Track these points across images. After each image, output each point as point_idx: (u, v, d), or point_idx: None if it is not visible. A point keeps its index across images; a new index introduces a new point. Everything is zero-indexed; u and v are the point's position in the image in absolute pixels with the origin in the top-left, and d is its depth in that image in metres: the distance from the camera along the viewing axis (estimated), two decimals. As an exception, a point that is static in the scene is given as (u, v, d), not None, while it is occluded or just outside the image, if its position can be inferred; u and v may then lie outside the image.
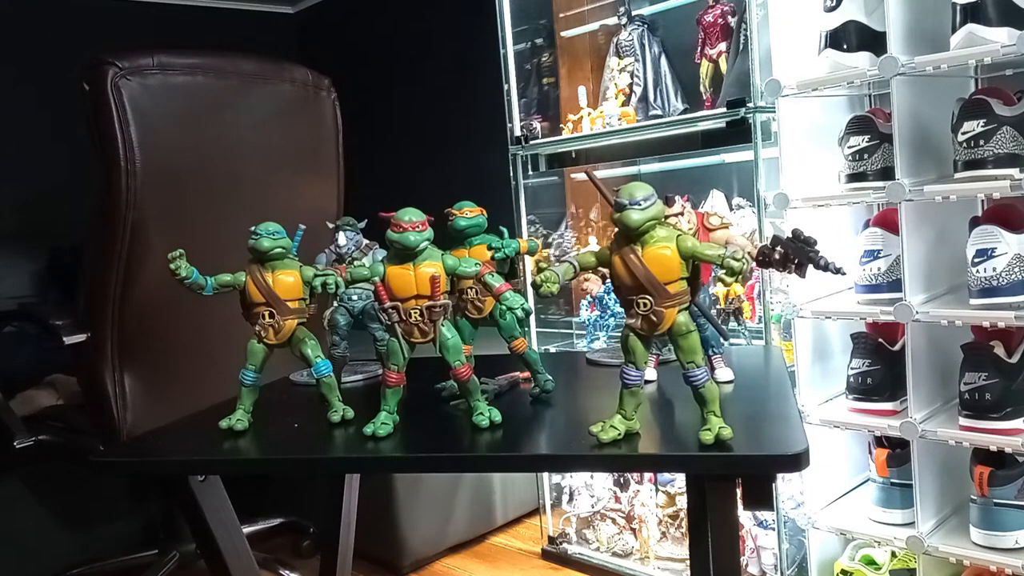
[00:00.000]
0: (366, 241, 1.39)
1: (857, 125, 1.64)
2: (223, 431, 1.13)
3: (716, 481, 0.95)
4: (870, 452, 1.75)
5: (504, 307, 1.03)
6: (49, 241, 2.98)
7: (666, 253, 0.90)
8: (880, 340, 1.68)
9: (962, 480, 1.60)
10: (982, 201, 1.66)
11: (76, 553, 2.24)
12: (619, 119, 2.09)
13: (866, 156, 1.63)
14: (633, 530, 2.13)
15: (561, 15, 2.34)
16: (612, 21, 2.24)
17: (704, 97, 2.00)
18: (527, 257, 1.74)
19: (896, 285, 1.59)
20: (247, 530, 1.68)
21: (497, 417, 1.05)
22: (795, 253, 0.86)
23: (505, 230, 1.23)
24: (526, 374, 1.22)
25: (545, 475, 2.26)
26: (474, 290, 1.15)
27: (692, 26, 2.01)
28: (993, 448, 1.49)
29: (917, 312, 1.54)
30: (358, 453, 1.04)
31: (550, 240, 2.36)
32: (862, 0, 1.61)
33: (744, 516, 1.87)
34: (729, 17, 1.94)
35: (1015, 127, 1.45)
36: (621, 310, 0.94)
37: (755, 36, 1.72)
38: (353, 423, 1.13)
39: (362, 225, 1.40)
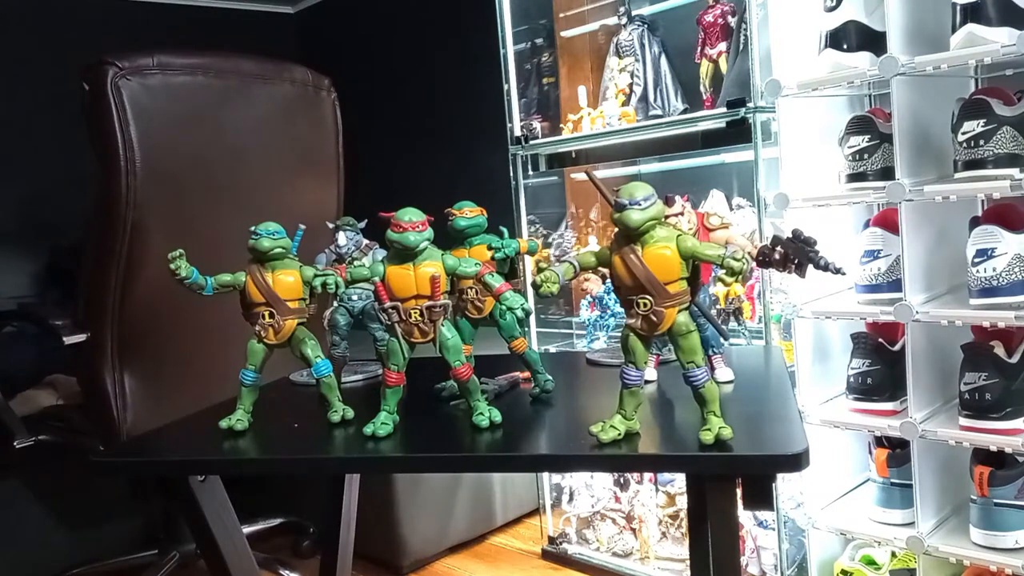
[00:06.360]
0: (366, 241, 1.39)
1: (857, 125, 1.64)
2: (223, 431, 1.13)
3: (716, 481, 0.95)
4: (870, 452, 1.75)
5: (504, 307, 1.03)
6: (49, 241, 2.98)
7: (666, 253, 0.90)
8: (880, 340, 1.68)
9: (962, 480, 1.60)
10: (982, 201, 1.66)
11: (76, 553, 2.24)
12: (619, 119, 2.09)
13: (866, 156, 1.63)
14: (633, 530, 2.13)
15: (561, 15, 2.34)
16: (612, 21, 2.24)
17: (704, 97, 2.00)
18: (527, 257, 1.74)
19: (896, 285, 1.59)
20: (247, 530, 1.68)
21: (497, 417, 1.05)
22: (795, 253, 0.86)
23: (505, 230, 1.23)
24: (526, 374, 1.22)
25: (545, 475, 2.26)
26: (474, 290, 1.15)
27: (692, 26, 2.01)
28: (993, 448, 1.49)
29: (917, 312, 1.54)
30: (358, 453, 1.04)
31: (550, 240, 2.36)
32: (862, 0, 1.61)
33: (744, 516, 1.87)
34: (729, 17, 1.94)
35: (1015, 127, 1.45)
36: (621, 310, 0.94)
37: (755, 36, 1.72)
38: (353, 423, 1.13)
39: (362, 225, 1.40)
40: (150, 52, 1.73)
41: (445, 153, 3.21)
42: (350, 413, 1.14)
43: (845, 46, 1.61)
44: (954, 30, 1.46)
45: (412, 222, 1.02)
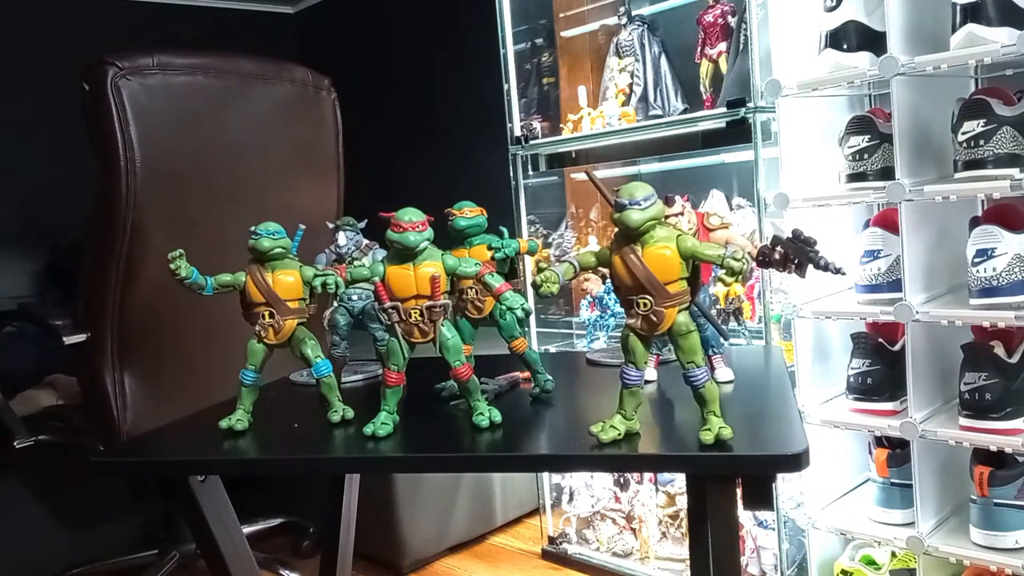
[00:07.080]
0: (366, 241, 1.39)
1: (857, 125, 1.64)
2: (223, 431, 1.13)
3: (716, 481, 0.95)
4: (870, 452, 1.75)
5: (504, 307, 1.03)
6: (49, 241, 2.98)
7: (666, 253, 0.90)
8: (880, 340, 1.68)
9: (962, 480, 1.60)
10: (982, 201, 1.66)
11: (76, 553, 2.24)
12: (619, 119, 2.09)
13: (866, 156, 1.63)
14: (633, 530, 2.13)
15: (561, 15, 2.34)
16: (612, 21, 2.24)
17: (704, 97, 2.00)
18: (527, 257, 1.74)
19: (896, 285, 1.59)
20: (247, 530, 1.69)
21: (497, 417, 1.05)
22: (795, 253, 0.86)
23: (505, 230, 1.23)
24: (526, 374, 1.22)
25: (545, 475, 2.26)
26: (474, 290, 1.15)
27: (692, 26, 2.01)
28: (993, 448, 1.49)
29: (917, 312, 1.54)
30: (358, 453, 1.04)
31: (550, 240, 2.36)
32: (862, 0, 1.61)
33: (744, 516, 1.87)
34: (729, 17, 1.94)
35: (1015, 127, 1.45)
36: (621, 310, 0.94)
37: (755, 36, 1.72)
38: (353, 423, 1.13)
39: (362, 225, 1.40)
40: (150, 52, 1.73)
41: (445, 153, 3.21)
42: (350, 413, 1.14)
43: (845, 46, 1.61)
44: (954, 30, 1.46)
45: (412, 222, 1.02)
